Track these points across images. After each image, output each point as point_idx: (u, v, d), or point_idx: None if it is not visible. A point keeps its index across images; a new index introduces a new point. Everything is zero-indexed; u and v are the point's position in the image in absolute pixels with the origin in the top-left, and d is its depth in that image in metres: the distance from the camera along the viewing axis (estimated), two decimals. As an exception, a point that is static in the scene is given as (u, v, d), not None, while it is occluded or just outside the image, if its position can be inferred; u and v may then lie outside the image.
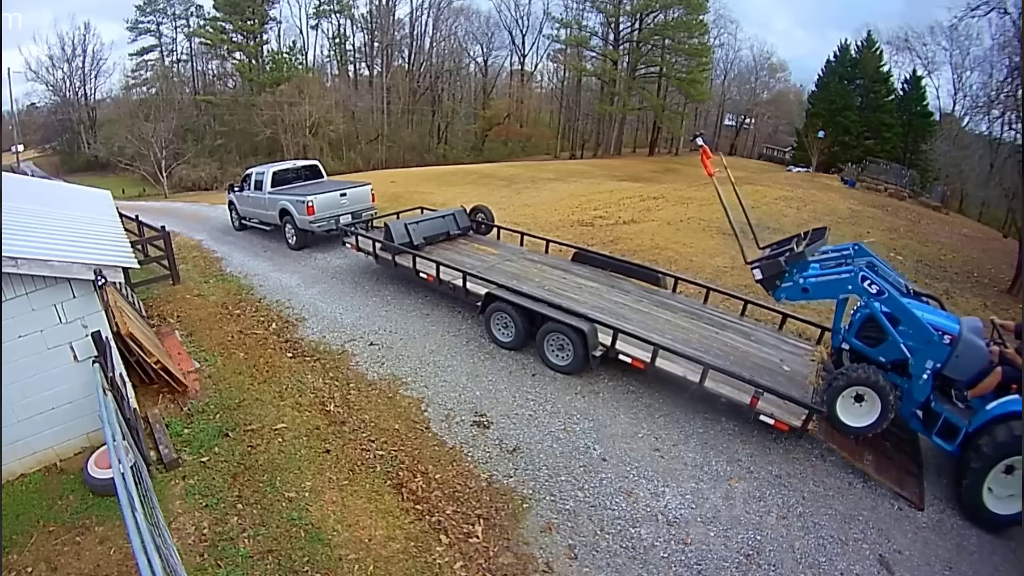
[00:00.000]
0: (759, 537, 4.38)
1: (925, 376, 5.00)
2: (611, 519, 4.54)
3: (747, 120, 50.88)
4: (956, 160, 24.62)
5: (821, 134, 32.07)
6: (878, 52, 35.55)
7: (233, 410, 5.93)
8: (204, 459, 5.15)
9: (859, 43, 36.12)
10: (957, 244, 15.51)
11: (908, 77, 35.03)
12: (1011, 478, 4.61)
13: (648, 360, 5.82)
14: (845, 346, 5.61)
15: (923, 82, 34.38)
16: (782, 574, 4.10)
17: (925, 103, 34.46)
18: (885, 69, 35.58)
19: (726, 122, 52.28)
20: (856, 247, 5.69)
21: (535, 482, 4.95)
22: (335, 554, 4.19)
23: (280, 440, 5.48)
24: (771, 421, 5.22)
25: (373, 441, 5.49)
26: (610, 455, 5.25)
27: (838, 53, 36.43)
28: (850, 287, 5.26)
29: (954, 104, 32.95)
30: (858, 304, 5.50)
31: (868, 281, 5.15)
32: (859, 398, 5.15)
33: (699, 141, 6.44)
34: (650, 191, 18.79)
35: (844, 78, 35.88)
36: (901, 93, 35.24)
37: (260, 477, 4.96)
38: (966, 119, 29.97)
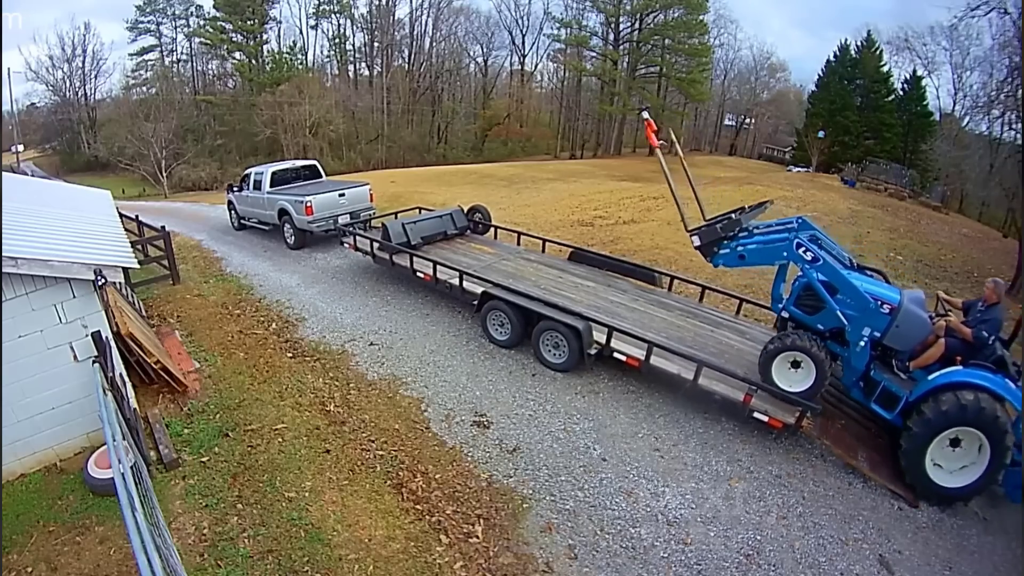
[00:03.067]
0: (759, 537, 4.38)
1: (862, 343, 5.07)
2: (611, 519, 4.54)
3: (747, 120, 50.87)
4: (956, 160, 24.63)
5: (821, 134, 32.06)
6: (878, 52, 35.58)
7: (233, 410, 5.93)
8: (204, 459, 5.15)
9: (859, 43, 36.20)
10: (957, 244, 15.50)
11: (908, 77, 35.08)
12: (957, 452, 4.69)
13: (642, 358, 5.85)
14: (786, 315, 5.70)
15: (923, 82, 34.45)
16: (782, 574, 4.10)
17: (925, 103, 34.47)
18: (885, 69, 35.61)
19: (726, 122, 52.30)
20: (800, 220, 5.76)
21: (535, 482, 4.95)
22: (335, 554, 4.19)
23: (280, 440, 5.48)
24: (764, 418, 5.25)
25: (373, 441, 5.49)
26: (610, 455, 5.25)
27: (838, 53, 36.46)
28: (785, 254, 5.37)
29: (954, 104, 33.03)
30: (799, 273, 5.58)
31: (803, 248, 5.25)
32: (796, 364, 5.25)
33: (645, 115, 6.65)
34: (650, 191, 18.76)
35: (844, 78, 35.89)
36: (901, 93, 35.25)
37: (260, 477, 4.96)
38: (966, 119, 30.01)
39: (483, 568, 4.12)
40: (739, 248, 5.61)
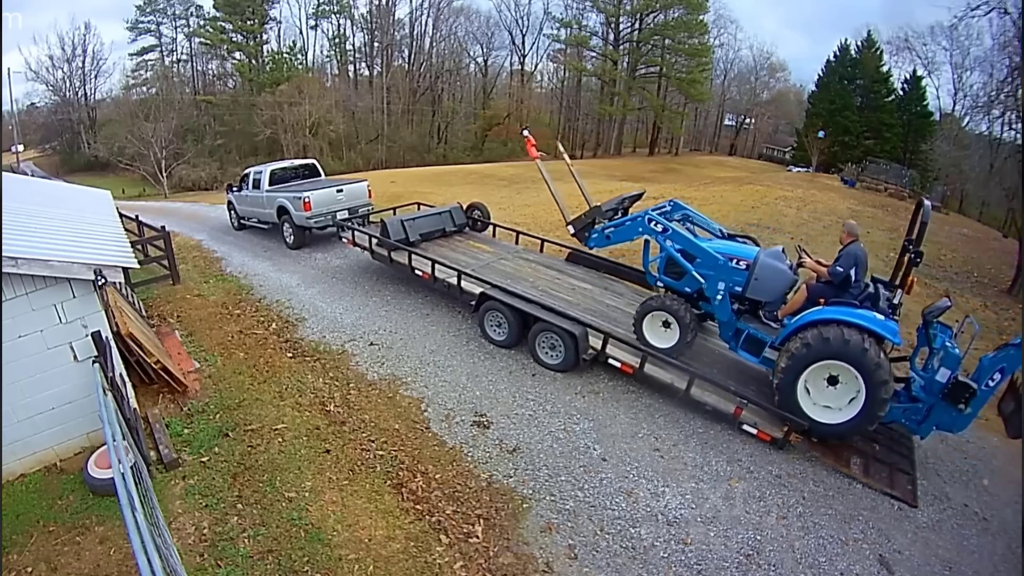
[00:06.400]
0: (759, 537, 4.38)
1: (719, 297, 5.60)
2: (611, 519, 4.54)
3: (747, 120, 50.84)
4: (956, 160, 24.66)
5: (821, 134, 32.12)
6: (878, 52, 35.58)
7: (233, 410, 5.93)
8: (204, 459, 5.15)
9: (859, 43, 36.20)
10: (957, 244, 15.52)
11: (908, 77, 35.09)
12: (834, 391, 4.96)
13: (637, 366, 5.89)
14: (660, 284, 6.40)
15: (923, 82, 34.46)
16: (782, 574, 4.10)
17: (925, 103, 34.48)
18: (885, 69, 35.61)
19: (726, 122, 52.27)
20: (672, 203, 6.60)
21: (535, 482, 4.95)
22: (335, 554, 4.19)
23: (280, 440, 5.48)
24: (754, 431, 5.30)
25: (373, 441, 5.49)
26: (610, 455, 5.25)
27: (838, 53, 36.46)
28: (640, 229, 6.16)
29: (954, 104, 33.02)
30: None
31: (654, 223, 6.00)
32: (667, 324, 5.99)
33: (525, 133, 8.10)
34: (650, 191, 18.70)
35: (844, 78, 35.91)
36: (901, 93, 35.27)
37: (260, 477, 4.96)
38: (966, 119, 30.02)
39: (483, 568, 4.12)
40: (605, 230, 6.48)
